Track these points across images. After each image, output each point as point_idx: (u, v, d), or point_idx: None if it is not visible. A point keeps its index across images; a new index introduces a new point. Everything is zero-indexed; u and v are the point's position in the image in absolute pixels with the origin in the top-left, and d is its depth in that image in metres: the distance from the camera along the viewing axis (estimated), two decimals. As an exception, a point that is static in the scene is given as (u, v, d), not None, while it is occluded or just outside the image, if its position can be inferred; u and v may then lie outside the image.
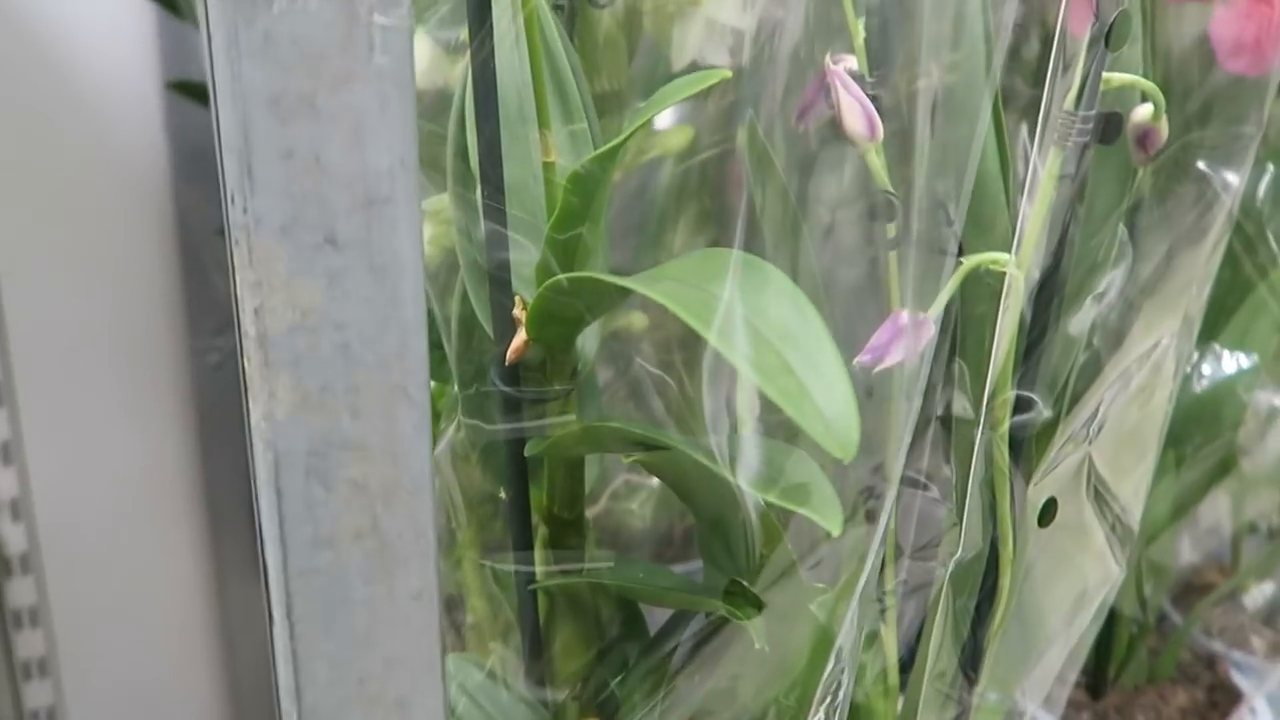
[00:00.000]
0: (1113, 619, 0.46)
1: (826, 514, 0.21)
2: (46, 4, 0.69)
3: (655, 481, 0.42)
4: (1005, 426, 0.30)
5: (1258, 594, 0.49)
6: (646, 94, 0.39)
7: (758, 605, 0.25)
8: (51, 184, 0.73)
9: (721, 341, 0.21)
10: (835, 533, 0.21)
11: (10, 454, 0.79)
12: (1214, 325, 0.41)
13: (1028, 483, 0.31)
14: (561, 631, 0.34)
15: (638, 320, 0.39)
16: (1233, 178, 0.37)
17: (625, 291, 0.25)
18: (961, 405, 0.30)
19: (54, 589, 0.83)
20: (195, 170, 0.72)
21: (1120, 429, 0.35)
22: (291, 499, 0.22)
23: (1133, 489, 0.36)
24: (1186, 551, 0.46)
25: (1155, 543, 0.42)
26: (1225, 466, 0.41)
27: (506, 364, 0.30)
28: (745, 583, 0.25)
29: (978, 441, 0.30)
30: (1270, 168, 0.40)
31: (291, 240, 0.20)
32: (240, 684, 0.87)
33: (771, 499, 0.23)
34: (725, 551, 0.26)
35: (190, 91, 0.70)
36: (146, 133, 0.72)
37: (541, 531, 0.33)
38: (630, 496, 0.44)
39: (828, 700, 0.28)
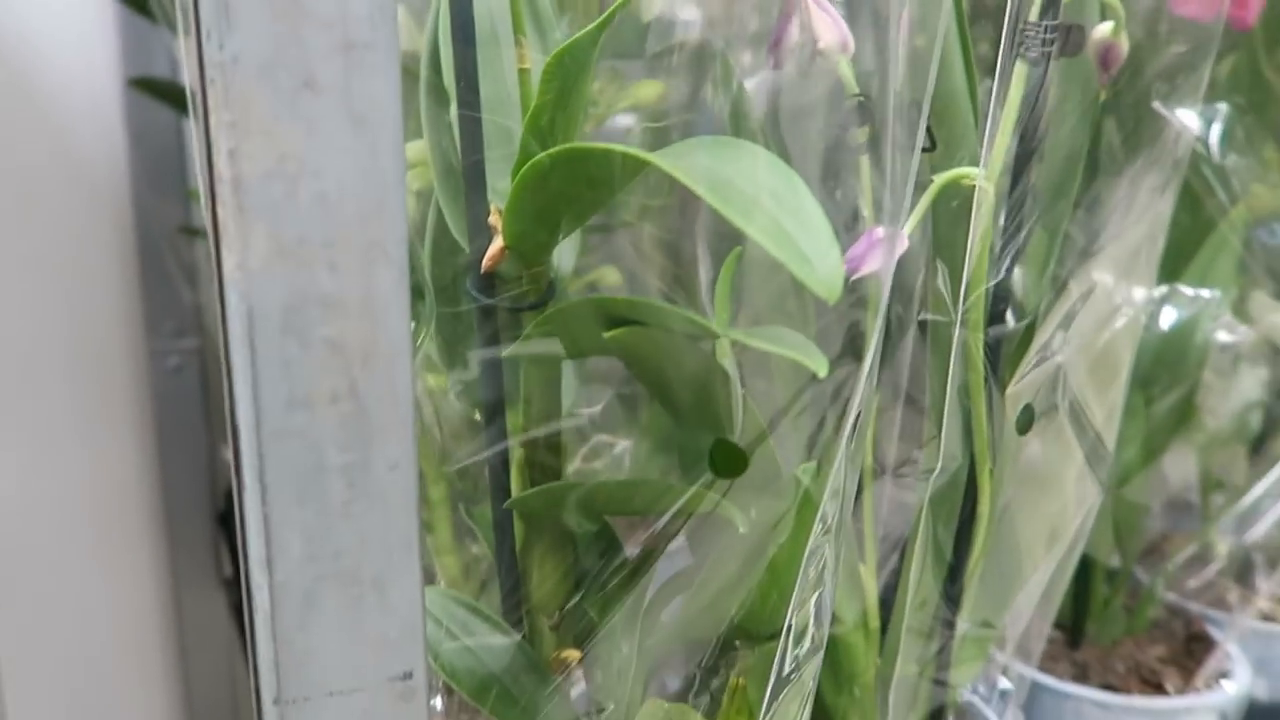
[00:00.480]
0: (1089, 571, 0.46)
1: (812, 357, 0.21)
2: (4, 1, 0.68)
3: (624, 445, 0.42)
4: (981, 329, 0.30)
5: (1225, 550, 0.49)
6: (614, 47, 0.39)
7: (743, 463, 0.24)
8: (7, 184, 0.72)
9: (713, 196, 0.21)
10: (822, 373, 0.21)
11: (-43, 467, 0.77)
12: (1175, 267, 0.42)
13: (1004, 389, 0.31)
14: (538, 561, 0.33)
15: (610, 275, 0.39)
16: (1188, 117, 0.38)
17: (607, 171, 0.25)
18: (939, 307, 0.30)
19: (2, 601, 0.80)
20: (155, 170, 0.71)
21: (1092, 350, 0.36)
22: (266, 356, 0.21)
23: (1107, 411, 0.36)
24: (1158, 506, 0.46)
25: (1128, 485, 0.42)
26: (1192, 407, 0.42)
27: (483, 272, 0.29)
28: (729, 439, 0.24)
29: (955, 342, 0.30)
30: (1225, 108, 0.41)
31: (270, 82, 0.20)
32: (195, 698, 0.83)
33: (757, 344, 0.22)
34: (705, 431, 0.26)
35: (153, 88, 0.69)
36: (106, 132, 0.71)
37: (518, 454, 0.32)
38: (602, 456, 0.43)
39: (814, 595, 0.27)
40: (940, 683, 0.39)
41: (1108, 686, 0.44)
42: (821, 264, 0.21)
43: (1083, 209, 0.35)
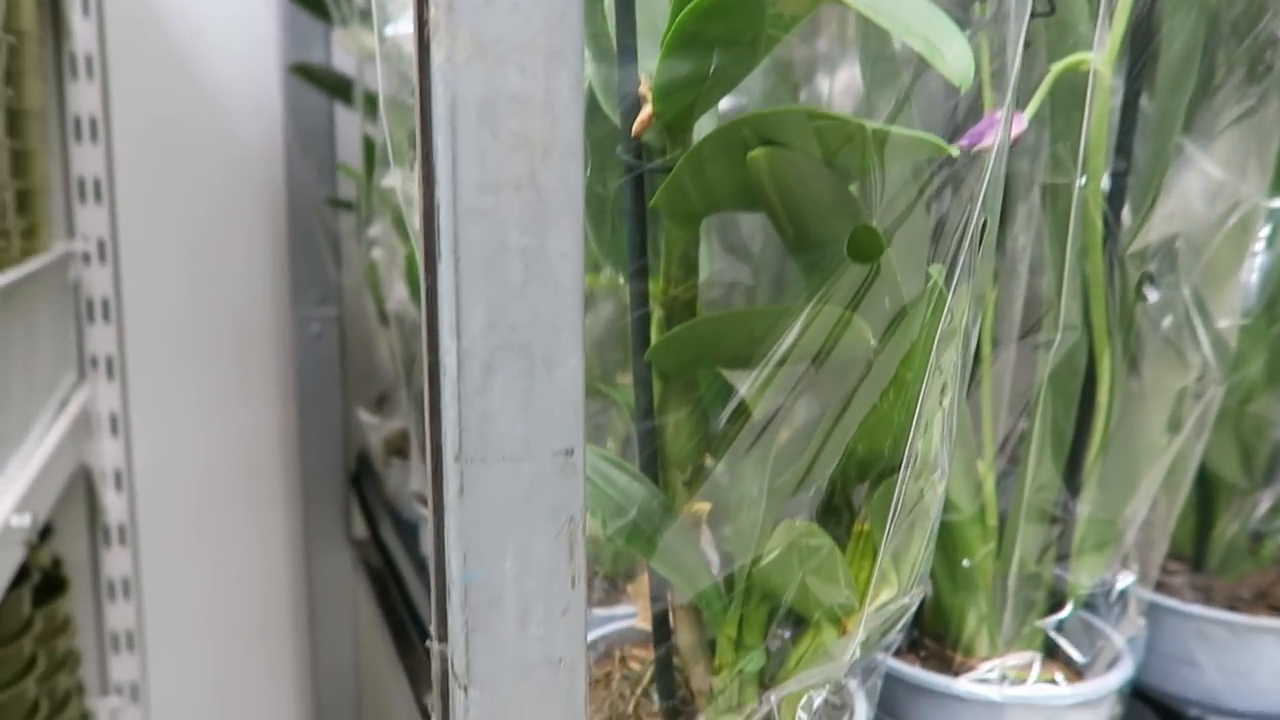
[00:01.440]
0: (1213, 497, 0.46)
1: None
2: (175, -2, 0.76)
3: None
4: (1099, 194, 0.32)
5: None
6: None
7: (880, 247, 0.26)
8: (175, 161, 0.80)
9: (865, 8, 0.24)
10: (954, 153, 0.23)
11: (117, 426, 0.84)
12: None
13: (1124, 253, 0.33)
14: (673, 421, 0.35)
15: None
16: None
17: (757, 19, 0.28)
18: (1059, 172, 0.32)
19: (147, 561, 0.86)
20: (308, 148, 0.77)
21: (1210, 240, 0.37)
22: (464, 142, 0.24)
23: (1225, 305, 0.37)
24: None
25: (1253, 403, 0.42)
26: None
27: (633, 136, 0.33)
28: (869, 224, 0.26)
29: (1074, 201, 0.31)
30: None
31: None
32: (320, 647, 0.88)
33: (896, 130, 0.25)
34: (832, 253, 0.28)
35: (309, 74, 0.76)
36: (266, 114, 0.78)
37: (657, 315, 0.35)
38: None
39: (940, 421, 0.29)
40: (1060, 576, 0.40)
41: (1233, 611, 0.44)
42: (950, 53, 0.23)
43: (1198, 103, 0.36)
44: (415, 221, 0.26)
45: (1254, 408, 0.43)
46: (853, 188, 0.28)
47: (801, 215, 0.28)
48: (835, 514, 0.33)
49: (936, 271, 0.27)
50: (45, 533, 0.74)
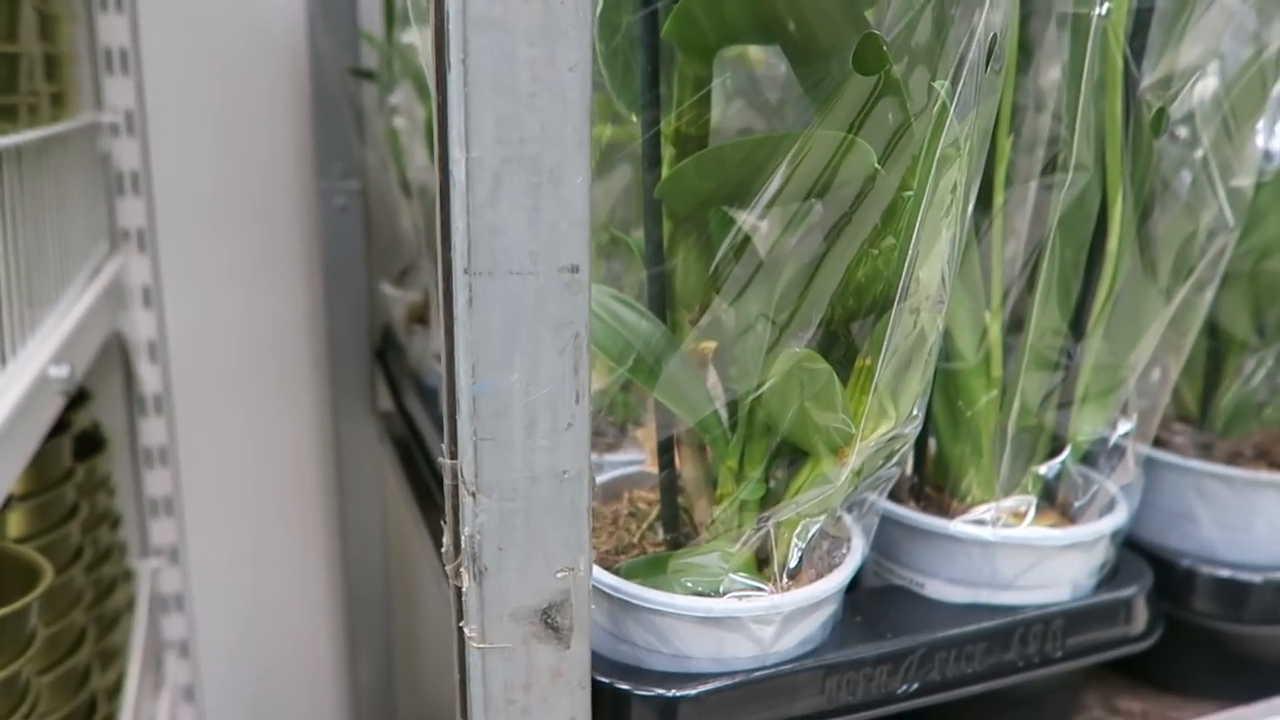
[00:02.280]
0: (1223, 353, 0.46)
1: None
2: None
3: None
4: (1122, 24, 0.31)
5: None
6: None
7: (885, 59, 0.26)
8: (196, 34, 0.80)
9: None
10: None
11: (150, 298, 0.86)
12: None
13: (1143, 87, 0.32)
14: (681, 260, 0.36)
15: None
16: None
17: None
18: (1083, 4, 0.31)
19: (183, 430, 0.89)
20: (329, 15, 0.77)
21: (1233, 90, 0.36)
22: (471, -50, 0.24)
23: (1247, 154, 0.37)
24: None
25: (1269, 260, 0.42)
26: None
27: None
28: (876, 33, 0.26)
29: (1092, 31, 0.31)
30: None
31: None
32: (349, 516, 0.91)
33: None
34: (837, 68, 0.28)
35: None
36: (287, -17, 0.77)
37: (668, 153, 0.35)
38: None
39: (944, 250, 0.29)
40: (1061, 424, 0.41)
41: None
42: None
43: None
44: (429, 41, 0.26)
45: (1269, 265, 0.42)
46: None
47: (810, 26, 0.28)
48: (837, 347, 0.34)
49: (941, 87, 0.27)
50: (83, 398, 0.77)
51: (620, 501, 0.42)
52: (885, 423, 0.34)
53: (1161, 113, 0.33)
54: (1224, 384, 0.46)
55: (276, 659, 0.99)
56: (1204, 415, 0.47)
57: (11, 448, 0.47)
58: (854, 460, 0.34)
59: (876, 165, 0.28)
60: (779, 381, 0.32)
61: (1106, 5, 0.30)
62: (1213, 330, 0.45)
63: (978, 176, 0.30)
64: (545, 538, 0.29)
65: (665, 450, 0.37)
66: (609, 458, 0.45)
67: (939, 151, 0.27)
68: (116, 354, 0.84)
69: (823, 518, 0.35)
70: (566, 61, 0.26)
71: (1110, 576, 0.43)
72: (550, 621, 0.30)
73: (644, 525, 0.39)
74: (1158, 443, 0.47)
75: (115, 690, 0.71)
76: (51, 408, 0.53)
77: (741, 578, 0.34)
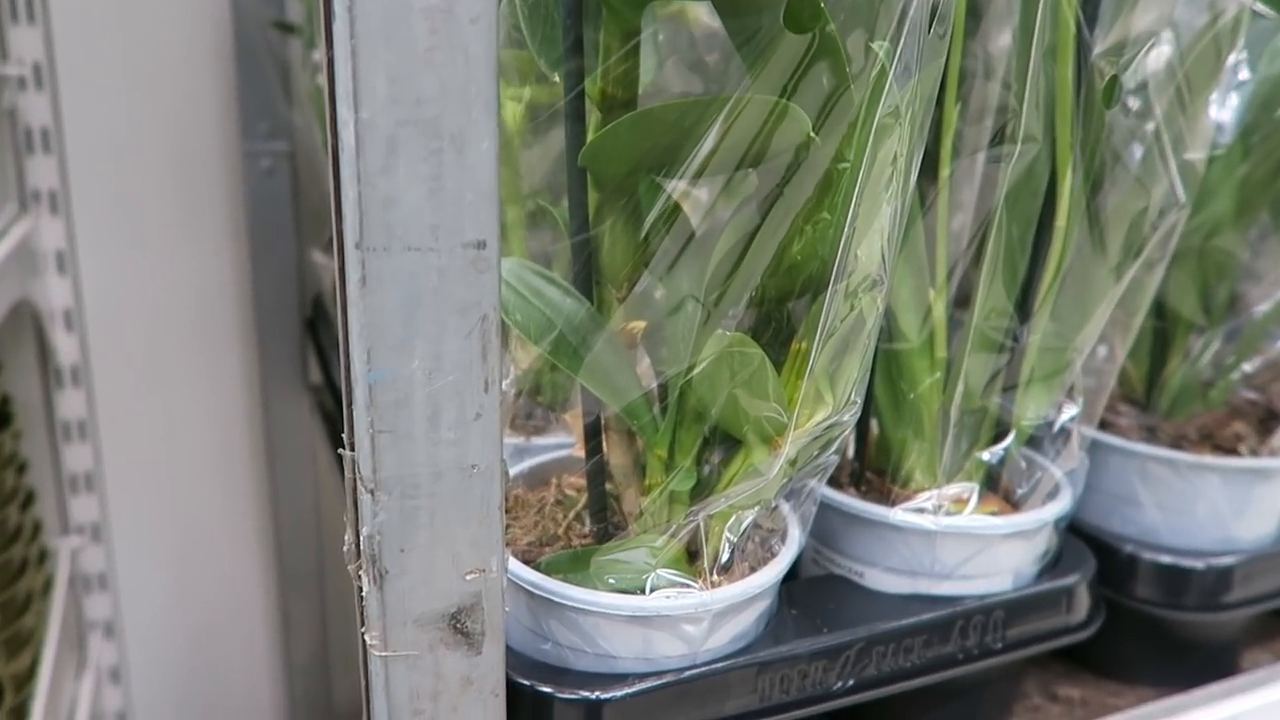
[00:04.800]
0: (1170, 334, 0.45)
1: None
2: None
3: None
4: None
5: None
6: None
7: (821, 14, 0.24)
8: (110, -15, 0.75)
9: None
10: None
11: (64, 264, 0.81)
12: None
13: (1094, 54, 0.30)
14: (609, 233, 0.34)
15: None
16: None
17: None
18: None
19: (103, 402, 0.85)
20: (252, -38, 0.72)
21: (1187, 60, 0.34)
22: (356, -118, 0.21)
23: (1200, 127, 0.35)
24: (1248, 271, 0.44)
25: (1217, 238, 0.41)
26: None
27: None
28: None
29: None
30: None
31: None
32: (280, 493, 0.88)
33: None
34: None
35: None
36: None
37: (595, 117, 0.33)
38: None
39: (882, 229, 0.27)
40: (1005, 408, 0.39)
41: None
42: None
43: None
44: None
45: (1218, 243, 0.41)
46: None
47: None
48: (771, 328, 0.32)
49: (880, 48, 0.25)
50: (-11, 368, 0.72)
51: (548, 488, 0.40)
52: (822, 409, 0.32)
53: (1114, 81, 0.31)
54: (1170, 364, 0.45)
55: (207, 637, 0.96)
56: (1149, 396, 0.46)
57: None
58: (789, 449, 0.32)
59: (811, 134, 0.26)
60: (709, 366, 0.30)
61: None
62: (1159, 310, 0.44)
63: (921, 146, 0.28)
64: (452, 537, 0.27)
65: (592, 436, 0.35)
66: (537, 441, 0.43)
67: (877, 120, 0.25)
68: (27, 322, 0.80)
69: (756, 510, 0.33)
70: (468, 13, 0.23)
71: (1053, 564, 0.42)
72: (459, 627, 0.28)
73: (570, 515, 0.37)
74: (1103, 425, 0.46)
75: (29, 676, 0.68)
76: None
77: (669, 573, 0.32)
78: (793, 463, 0.32)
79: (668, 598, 0.32)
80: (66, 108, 0.76)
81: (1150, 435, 0.45)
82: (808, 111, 0.26)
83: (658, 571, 0.32)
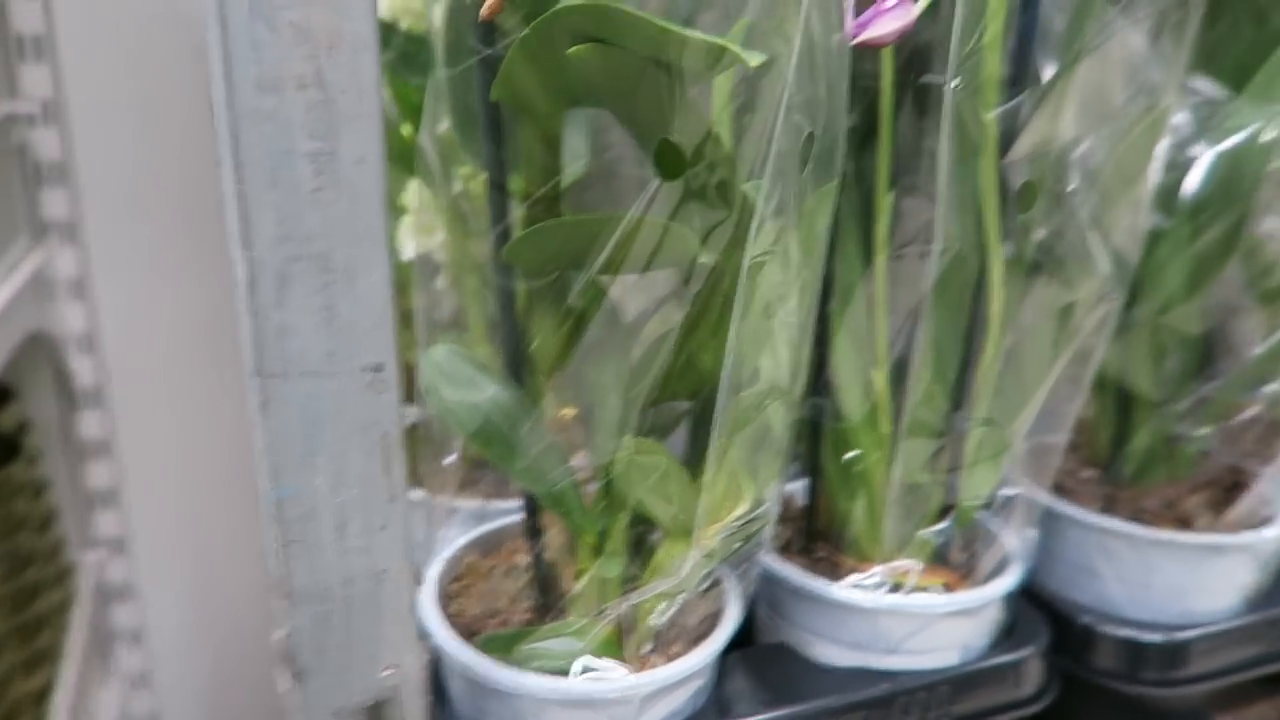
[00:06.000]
0: (1129, 406, 0.44)
1: (746, 52, 0.21)
2: None
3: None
4: (993, 93, 0.29)
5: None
6: None
7: (683, 164, 0.24)
8: (113, 17, 0.76)
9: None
10: (753, 64, 0.21)
11: (80, 290, 0.84)
12: (1238, 82, 0.39)
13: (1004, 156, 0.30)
14: (540, 324, 0.34)
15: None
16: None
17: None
18: (940, 72, 0.29)
19: (121, 421, 0.88)
20: None
21: (1114, 145, 0.34)
22: (236, 36, 0.22)
23: (1129, 215, 0.35)
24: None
25: (1170, 314, 0.40)
26: (1238, 234, 0.39)
27: (481, 19, 0.30)
28: (671, 139, 0.24)
29: (946, 104, 0.29)
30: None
31: None
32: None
33: (697, 37, 0.22)
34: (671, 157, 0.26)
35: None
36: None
37: (521, 215, 0.33)
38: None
39: (774, 338, 0.27)
40: (950, 488, 0.39)
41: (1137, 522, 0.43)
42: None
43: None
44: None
45: (1171, 319, 0.41)
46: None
47: (631, 108, 0.26)
48: (701, 427, 0.32)
49: (752, 188, 0.25)
50: (7, 397, 0.75)
51: (499, 555, 0.41)
52: (742, 504, 0.32)
53: (1030, 187, 0.31)
54: (1131, 435, 0.44)
55: (230, 644, 0.99)
56: (1113, 463, 0.45)
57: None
58: (711, 542, 0.32)
59: (698, 256, 0.26)
60: (620, 467, 0.30)
61: (959, 77, 0.28)
62: (1116, 382, 0.43)
63: (819, 267, 0.29)
64: (366, 637, 0.28)
65: (531, 514, 0.36)
66: (496, 504, 0.43)
67: (748, 258, 0.25)
68: (44, 350, 0.82)
69: (680, 598, 0.33)
70: (353, 154, 0.24)
71: (1006, 635, 0.42)
72: (379, 718, 0.29)
73: (519, 586, 0.38)
74: (1064, 491, 0.45)
75: (44, 693, 0.70)
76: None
77: (593, 660, 0.33)
78: (711, 556, 0.32)
79: (596, 680, 0.33)
80: (77, 141, 0.79)
81: (1109, 504, 0.44)
82: (698, 229, 0.26)
83: (585, 657, 0.33)
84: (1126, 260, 0.34)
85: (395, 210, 0.44)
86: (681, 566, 0.31)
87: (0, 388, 0.77)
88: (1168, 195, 0.40)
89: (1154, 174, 0.34)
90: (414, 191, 0.44)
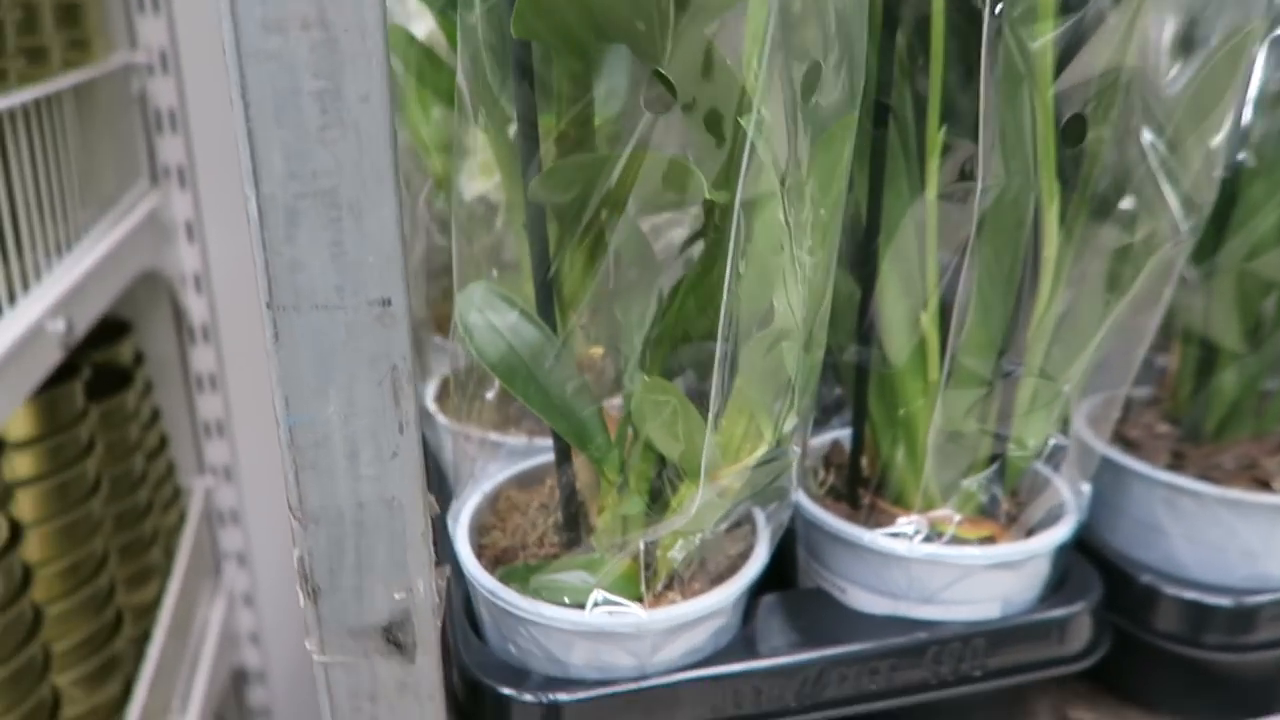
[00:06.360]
0: (1212, 360, 0.42)
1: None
2: None
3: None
4: (1040, 18, 0.28)
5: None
6: None
7: (673, 92, 0.24)
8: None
9: None
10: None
11: (194, 232, 0.88)
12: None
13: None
14: (571, 263, 0.35)
15: None
16: None
17: None
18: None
19: (230, 356, 0.93)
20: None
21: (1189, 91, 0.31)
22: (241, -24, 0.23)
23: (1203, 162, 0.32)
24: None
25: (1261, 257, 0.38)
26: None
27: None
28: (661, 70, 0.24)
29: (984, 31, 0.27)
30: None
31: None
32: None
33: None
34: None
35: None
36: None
37: (551, 154, 0.33)
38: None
39: (785, 275, 0.27)
40: (1000, 437, 0.38)
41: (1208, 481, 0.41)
42: None
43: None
44: (217, 62, 0.25)
45: (1260, 266, 0.38)
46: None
47: (640, 48, 0.26)
48: (709, 366, 0.32)
49: (746, 122, 0.24)
50: (124, 329, 0.81)
51: (537, 491, 0.42)
52: (761, 446, 0.32)
53: (1078, 120, 0.29)
54: (1215, 388, 0.42)
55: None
56: (1193, 419, 0.43)
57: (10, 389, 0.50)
58: (727, 483, 0.32)
59: (707, 193, 0.26)
60: (636, 405, 0.31)
61: (1001, 3, 0.26)
62: (1200, 333, 0.41)
63: (839, 203, 0.28)
64: (378, 562, 0.29)
65: (560, 452, 0.37)
66: (539, 441, 0.44)
67: (740, 191, 0.24)
68: (162, 288, 0.88)
69: (697, 537, 0.34)
70: (358, 92, 0.24)
71: (1055, 589, 0.40)
72: (392, 638, 0.30)
73: (549, 522, 0.39)
74: (1131, 445, 0.43)
75: (154, 605, 0.76)
76: (48, 360, 0.55)
77: (609, 595, 0.33)
78: (725, 496, 0.32)
79: (609, 614, 0.34)
80: (190, 90, 0.83)
81: (1179, 461, 0.42)
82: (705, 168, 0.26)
83: (599, 591, 0.34)
84: (1198, 201, 0.32)
85: (461, 151, 0.45)
86: (690, 506, 0.31)
87: (116, 321, 0.82)
88: (1260, 131, 0.37)
89: (1237, 106, 0.31)
90: (473, 133, 0.45)
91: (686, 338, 0.31)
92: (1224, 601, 0.41)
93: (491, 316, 0.34)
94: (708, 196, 0.26)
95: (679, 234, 0.36)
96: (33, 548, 0.60)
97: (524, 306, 0.35)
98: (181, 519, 0.89)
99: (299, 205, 0.25)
